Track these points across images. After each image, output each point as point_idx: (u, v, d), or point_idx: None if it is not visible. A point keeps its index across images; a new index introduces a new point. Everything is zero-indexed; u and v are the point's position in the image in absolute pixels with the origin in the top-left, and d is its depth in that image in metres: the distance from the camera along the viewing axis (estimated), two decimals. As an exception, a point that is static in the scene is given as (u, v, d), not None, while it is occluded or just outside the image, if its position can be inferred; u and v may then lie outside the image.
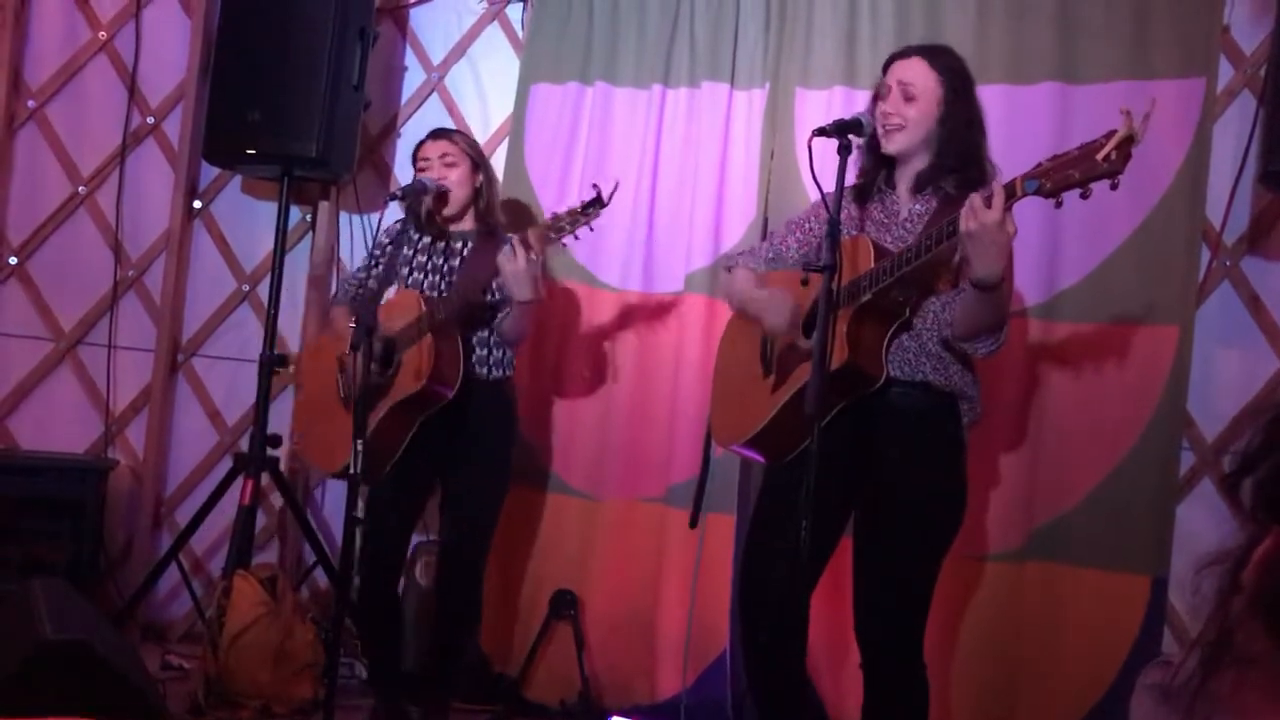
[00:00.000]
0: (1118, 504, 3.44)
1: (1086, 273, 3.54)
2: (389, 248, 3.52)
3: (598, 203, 3.14)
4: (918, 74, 2.79)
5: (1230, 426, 3.51)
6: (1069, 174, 2.38)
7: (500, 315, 3.39)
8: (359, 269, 3.67)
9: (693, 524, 3.21)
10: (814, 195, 2.95)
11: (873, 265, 2.66)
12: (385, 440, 3.33)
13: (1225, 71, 3.56)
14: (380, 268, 3.54)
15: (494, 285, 3.36)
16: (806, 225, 2.97)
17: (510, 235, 3.33)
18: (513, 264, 3.17)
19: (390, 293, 3.59)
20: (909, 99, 2.76)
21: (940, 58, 2.84)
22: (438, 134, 3.58)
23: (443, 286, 3.45)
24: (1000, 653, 3.53)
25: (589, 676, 3.84)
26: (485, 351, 3.44)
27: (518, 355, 3.57)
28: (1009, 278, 2.68)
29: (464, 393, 3.35)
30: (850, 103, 3.71)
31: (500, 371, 3.47)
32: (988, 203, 2.42)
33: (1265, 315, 3.54)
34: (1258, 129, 3.42)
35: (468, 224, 3.52)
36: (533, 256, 3.18)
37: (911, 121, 2.76)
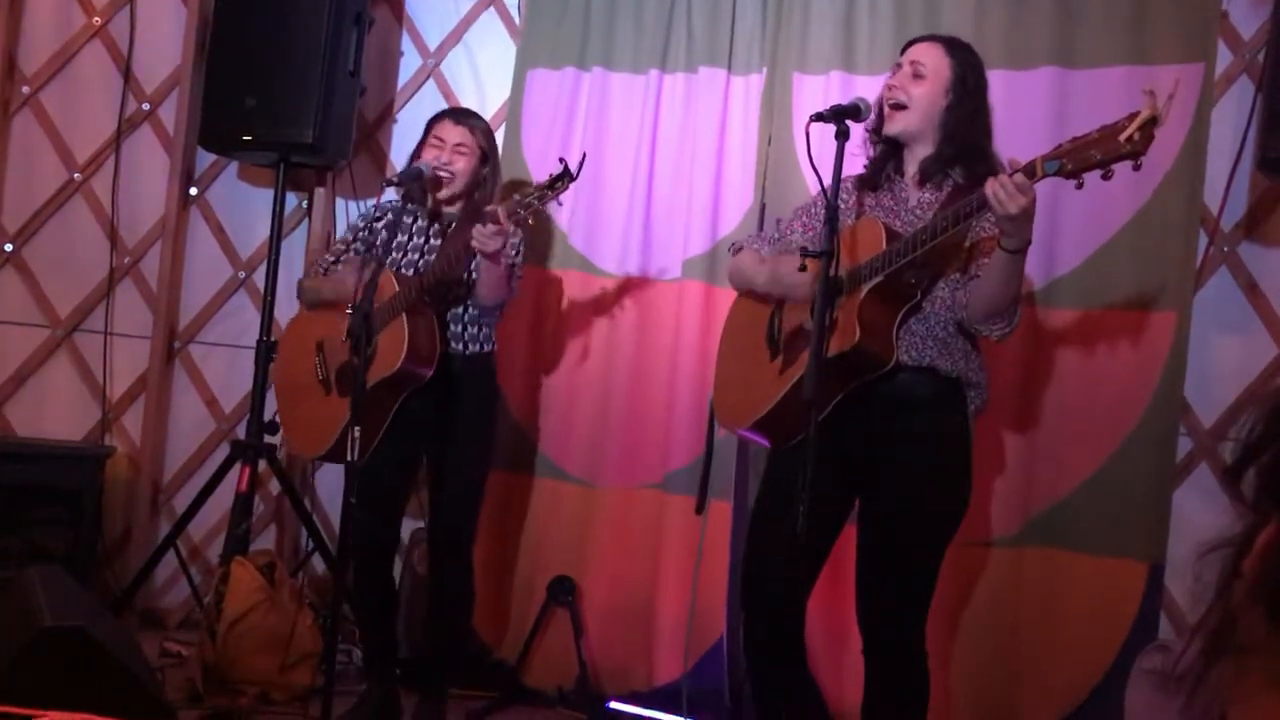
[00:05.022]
0: (1115, 490, 3.44)
1: (1084, 259, 3.53)
2: (376, 225, 3.48)
3: (565, 176, 3.07)
4: (932, 57, 2.81)
5: (1227, 413, 3.51)
6: (1090, 154, 2.37)
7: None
8: (337, 243, 3.60)
9: (699, 510, 3.19)
10: (811, 180, 2.94)
11: (884, 247, 2.65)
12: (366, 421, 3.30)
13: (1224, 57, 3.54)
14: (359, 242, 3.51)
15: (472, 264, 3.32)
16: (812, 210, 2.96)
17: (487, 210, 3.28)
18: (480, 230, 3.08)
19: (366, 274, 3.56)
20: (918, 77, 2.79)
21: (959, 49, 2.85)
22: (460, 118, 3.49)
23: (421, 265, 3.40)
24: (998, 638, 3.53)
25: (586, 662, 3.85)
26: (461, 328, 3.40)
27: (514, 340, 3.54)
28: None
29: (443, 370, 3.32)
30: (848, 88, 3.69)
31: (479, 347, 3.43)
32: (1021, 188, 2.44)
33: (1262, 301, 3.54)
34: (1256, 115, 3.41)
35: (460, 208, 3.47)
36: (505, 225, 3.08)
37: (916, 101, 2.77)
